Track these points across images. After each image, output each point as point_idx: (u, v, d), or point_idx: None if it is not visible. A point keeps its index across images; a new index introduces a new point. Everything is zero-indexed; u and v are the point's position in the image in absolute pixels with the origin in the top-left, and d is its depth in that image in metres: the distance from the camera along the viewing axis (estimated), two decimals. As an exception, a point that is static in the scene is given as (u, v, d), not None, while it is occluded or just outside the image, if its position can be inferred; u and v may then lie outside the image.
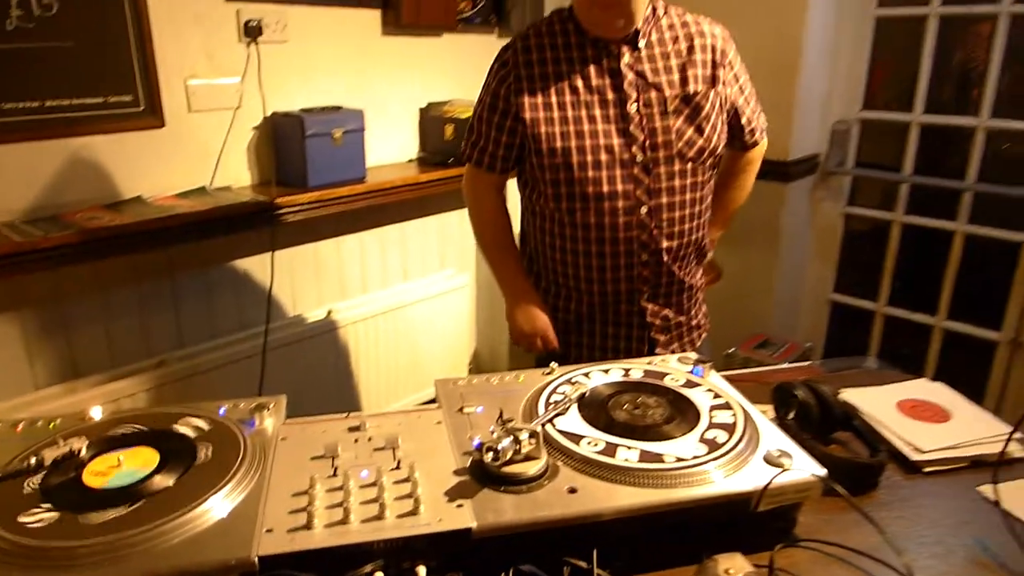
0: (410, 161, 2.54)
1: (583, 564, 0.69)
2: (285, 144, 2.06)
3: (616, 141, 1.29)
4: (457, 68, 2.60)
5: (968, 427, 1.01)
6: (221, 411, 0.88)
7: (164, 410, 0.88)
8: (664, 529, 0.74)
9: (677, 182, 1.31)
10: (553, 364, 1.00)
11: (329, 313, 2.37)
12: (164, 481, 0.73)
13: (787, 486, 0.75)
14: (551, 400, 0.90)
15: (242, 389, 2.07)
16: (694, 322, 1.48)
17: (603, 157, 1.29)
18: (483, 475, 0.74)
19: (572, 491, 0.73)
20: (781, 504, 0.76)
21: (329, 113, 2.09)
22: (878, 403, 1.07)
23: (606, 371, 0.99)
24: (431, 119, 2.50)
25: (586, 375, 0.97)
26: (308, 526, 0.67)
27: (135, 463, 0.76)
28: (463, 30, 2.56)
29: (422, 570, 0.66)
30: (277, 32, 2.04)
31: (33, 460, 0.75)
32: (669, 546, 0.74)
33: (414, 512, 0.69)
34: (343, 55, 2.25)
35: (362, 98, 2.31)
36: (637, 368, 0.99)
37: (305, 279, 2.33)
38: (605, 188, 1.30)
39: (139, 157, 1.86)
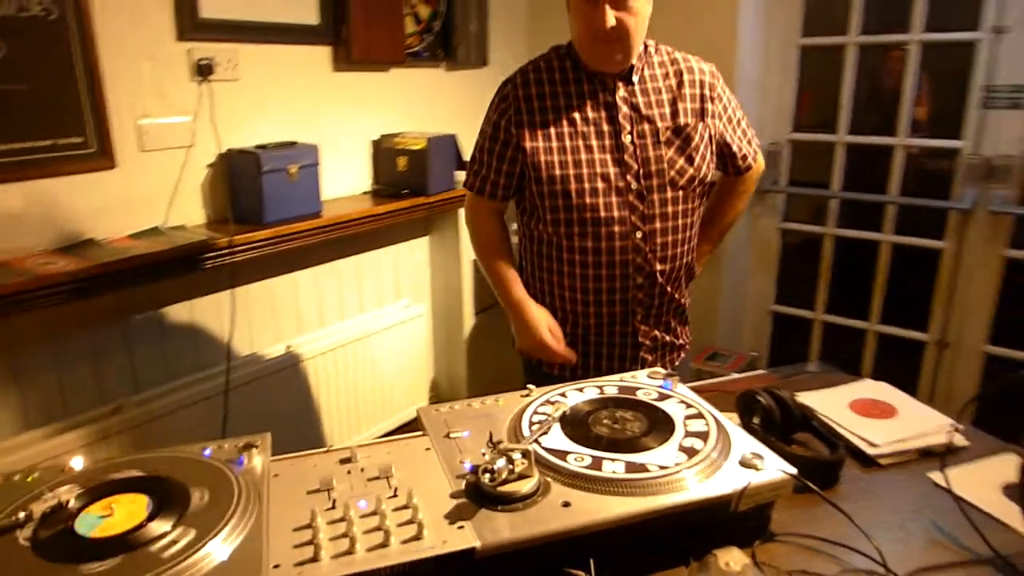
0: (364, 193, 2.56)
1: (581, 574, 0.73)
2: (241, 181, 2.05)
3: (612, 170, 1.36)
4: (407, 101, 2.64)
5: (914, 421, 1.10)
6: (206, 452, 0.88)
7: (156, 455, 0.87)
8: (652, 535, 0.78)
9: (670, 208, 1.39)
10: (530, 386, 1.04)
11: (288, 349, 2.35)
12: (160, 527, 0.72)
13: (762, 486, 0.80)
14: (534, 420, 0.93)
15: (203, 431, 2.02)
16: (679, 342, 1.55)
17: (599, 185, 1.36)
18: (479, 496, 0.77)
19: (566, 505, 0.76)
20: (757, 503, 0.81)
21: (284, 149, 2.10)
22: (831, 404, 1.16)
23: (581, 389, 1.03)
24: (384, 151, 2.53)
25: (562, 395, 1.01)
26: (315, 558, 0.68)
27: (128, 510, 0.75)
28: (411, 64, 2.61)
29: (428, 592, 0.68)
30: (229, 70, 2.04)
31: (22, 514, 0.73)
32: (657, 551, 0.79)
33: (418, 537, 0.71)
34: (295, 91, 2.26)
35: (315, 133, 2.32)
36: (611, 385, 1.04)
37: (262, 316, 2.30)
38: (602, 214, 1.36)
39: (91, 199, 1.82)
